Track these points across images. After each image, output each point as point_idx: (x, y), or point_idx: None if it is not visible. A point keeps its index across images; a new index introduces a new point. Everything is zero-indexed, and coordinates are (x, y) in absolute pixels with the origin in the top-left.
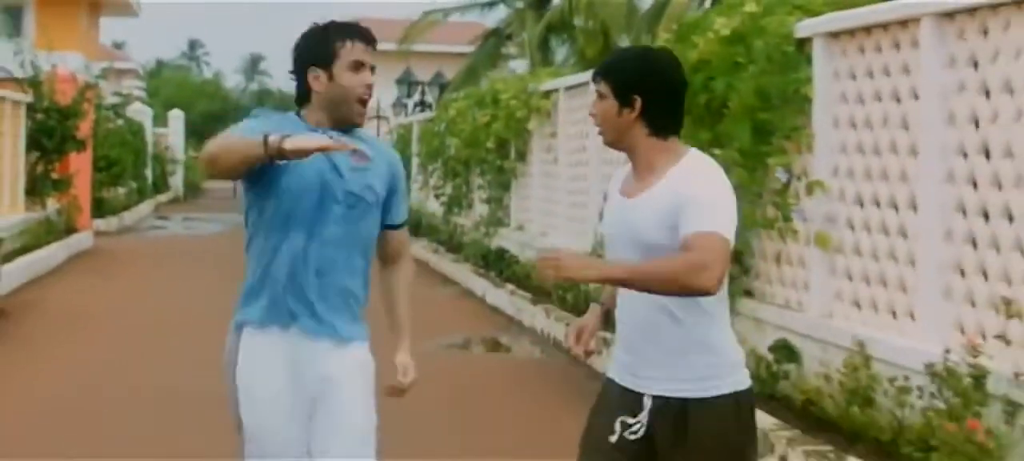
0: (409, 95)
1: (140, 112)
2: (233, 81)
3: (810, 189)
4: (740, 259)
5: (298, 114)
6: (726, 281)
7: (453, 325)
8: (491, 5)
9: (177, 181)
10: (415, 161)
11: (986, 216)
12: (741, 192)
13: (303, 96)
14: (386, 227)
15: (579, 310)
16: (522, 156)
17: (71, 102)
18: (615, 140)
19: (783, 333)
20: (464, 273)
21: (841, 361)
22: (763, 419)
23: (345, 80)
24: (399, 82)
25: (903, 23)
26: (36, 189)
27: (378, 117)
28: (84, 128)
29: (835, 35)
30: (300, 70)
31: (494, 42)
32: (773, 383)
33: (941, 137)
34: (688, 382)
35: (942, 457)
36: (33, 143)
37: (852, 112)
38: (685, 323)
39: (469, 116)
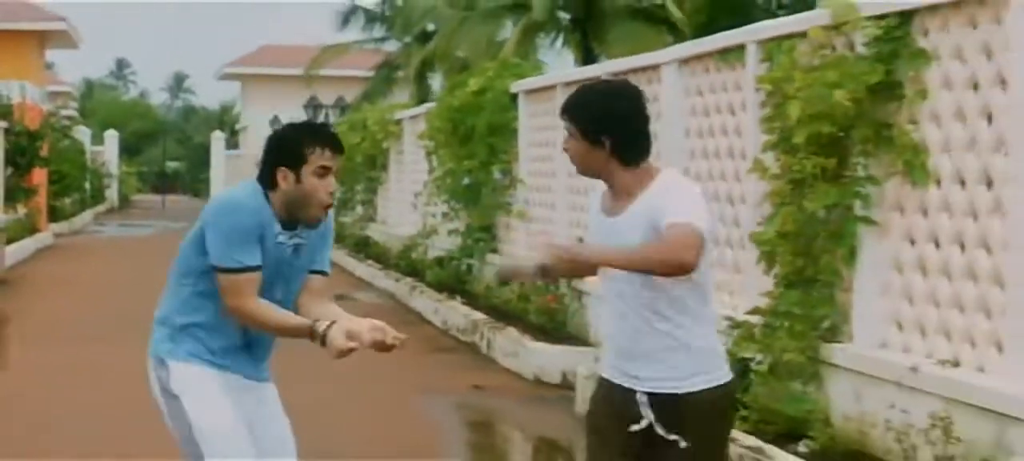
0: (315, 118)
1: (80, 132)
2: (159, 98)
3: (515, 184)
4: (489, 229)
5: (266, 196)
6: (710, 283)
7: (331, 288)
8: (384, 40)
9: (112, 193)
10: None
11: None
12: (484, 192)
13: (271, 184)
14: (312, 272)
15: (411, 274)
16: (384, 168)
17: (39, 127)
18: (590, 174)
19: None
20: (343, 257)
21: None
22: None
23: (310, 184)
24: (305, 106)
25: (558, 85)
26: (11, 196)
27: None
28: (45, 148)
29: (530, 92)
30: (270, 165)
31: (387, 71)
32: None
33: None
34: (675, 380)
35: (536, 315)
36: (8, 160)
37: (539, 138)
38: (670, 325)
39: (348, 137)
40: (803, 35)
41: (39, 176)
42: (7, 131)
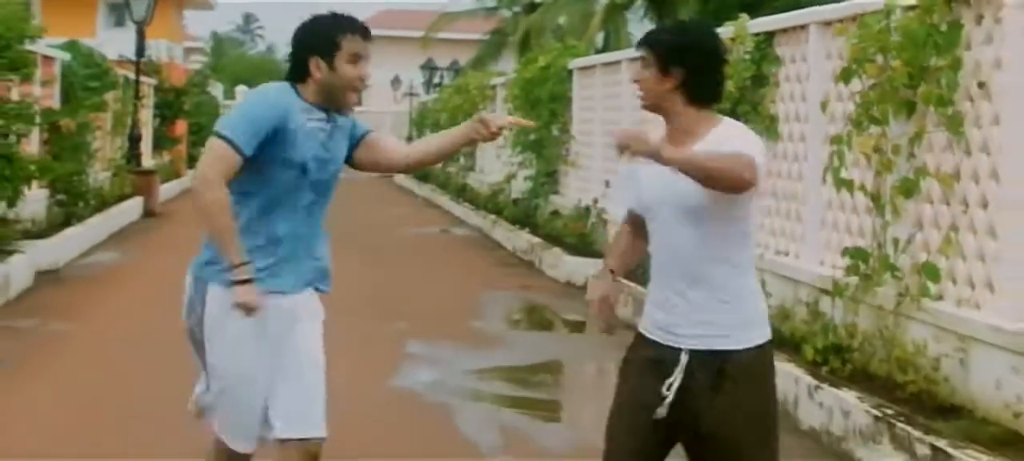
0: (431, 80)
1: (214, 87)
2: (285, 53)
3: (569, 140)
4: (552, 174)
5: (294, 87)
6: (751, 236)
7: (436, 223)
8: (495, 9)
9: None
10: (428, 131)
11: None
12: (546, 145)
13: (301, 76)
14: (360, 138)
15: (494, 212)
16: None
17: (185, 84)
18: (654, 106)
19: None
20: (447, 201)
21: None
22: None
23: (344, 71)
24: (422, 67)
25: (614, 63)
26: (159, 145)
27: (410, 94)
28: (188, 102)
29: (581, 69)
30: (301, 55)
31: (498, 38)
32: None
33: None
34: (722, 337)
35: (573, 238)
36: (157, 112)
37: (586, 104)
38: (718, 279)
39: (453, 99)
40: None
41: (180, 127)
42: (156, 88)
